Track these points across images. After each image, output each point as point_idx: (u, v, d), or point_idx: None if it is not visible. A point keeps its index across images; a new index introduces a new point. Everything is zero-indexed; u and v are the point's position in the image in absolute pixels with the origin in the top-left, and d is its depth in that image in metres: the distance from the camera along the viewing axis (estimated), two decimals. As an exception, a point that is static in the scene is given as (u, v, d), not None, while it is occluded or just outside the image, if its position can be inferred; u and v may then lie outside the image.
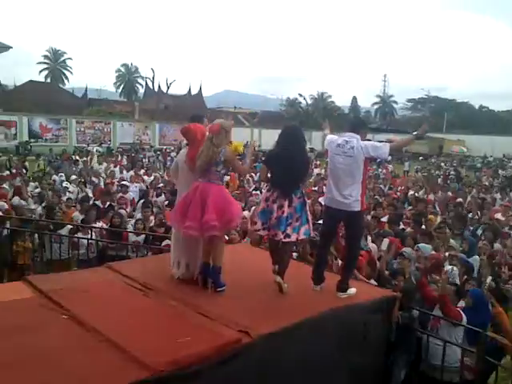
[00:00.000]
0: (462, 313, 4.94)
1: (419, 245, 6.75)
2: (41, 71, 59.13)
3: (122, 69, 63.84)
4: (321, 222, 7.51)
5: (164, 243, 6.67)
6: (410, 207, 11.51)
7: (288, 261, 4.49)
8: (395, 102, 75.43)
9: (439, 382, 4.67)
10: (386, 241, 7.02)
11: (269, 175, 4.54)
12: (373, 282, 5.87)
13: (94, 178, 12.82)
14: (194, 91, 53.74)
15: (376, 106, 76.32)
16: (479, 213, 11.20)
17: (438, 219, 9.59)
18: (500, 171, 29.41)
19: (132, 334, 3.22)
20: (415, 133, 4.71)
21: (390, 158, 26.96)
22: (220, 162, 4.24)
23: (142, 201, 9.99)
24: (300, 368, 3.67)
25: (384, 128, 60.14)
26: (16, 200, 9.39)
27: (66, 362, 2.81)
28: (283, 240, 4.28)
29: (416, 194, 13.20)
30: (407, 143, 4.89)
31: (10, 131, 31.65)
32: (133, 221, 8.11)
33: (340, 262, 5.98)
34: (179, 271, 4.48)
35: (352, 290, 4.47)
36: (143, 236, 7.31)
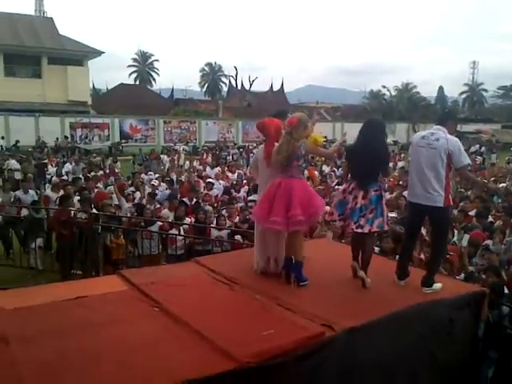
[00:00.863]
0: None
1: (509, 238, 6.40)
2: (130, 74, 62.00)
3: (207, 68, 65.44)
4: (393, 214, 7.43)
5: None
6: (499, 200, 10.91)
7: (370, 255, 4.47)
8: (485, 90, 70.86)
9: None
10: (466, 236, 6.77)
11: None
12: (462, 276, 5.69)
13: (180, 176, 13.36)
14: (276, 87, 53.96)
15: (464, 95, 72.26)
16: None
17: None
18: None
19: (219, 326, 3.34)
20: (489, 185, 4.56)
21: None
22: (301, 155, 4.27)
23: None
24: (383, 363, 3.63)
25: (472, 118, 56.91)
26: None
27: (157, 352, 2.98)
28: (355, 230, 4.31)
29: (507, 186, 12.44)
30: (477, 185, 4.66)
31: (103, 133, 33.62)
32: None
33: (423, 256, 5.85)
34: (262, 265, 4.59)
35: (438, 286, 4.36)
36: (226, 231, 7.54)
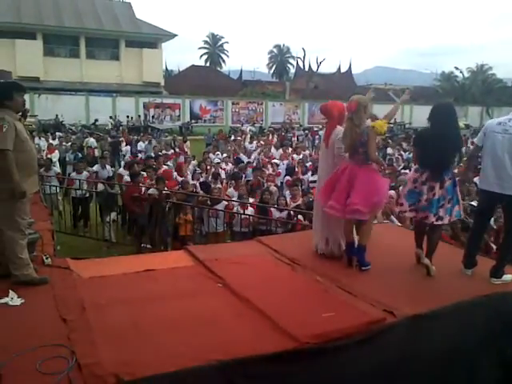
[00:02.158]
0: None
1: None
2: (201, 56, 62.96)
3: (275, 50, 65.16)
4: (473, 203, 7.15)
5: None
6: None
7: (437, 243, 4.35)
8: None
9: None
10: None
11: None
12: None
13: (245, 156, 13.51)
14: (344, 69, 52.87)
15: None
16: None
17: None
18: None
19: (280, 305, 3.41)
20: None
21: None
22: (365, 142, 4.19)
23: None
24: (443, 355, 3.55)
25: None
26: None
27: (219, 327, 3.09)
28: (435, 223, 4.16)
29: None
30: None
31: (175, 113, 34.56)
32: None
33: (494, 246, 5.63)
34: (321, 247, 4.60)
35: (508, 277, 4.19)
36: (285, 212, 7.58)
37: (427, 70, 75.40)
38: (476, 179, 9.98)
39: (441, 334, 3.53)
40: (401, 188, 7.93)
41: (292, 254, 4.56)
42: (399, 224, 6.60)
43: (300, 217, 7.32)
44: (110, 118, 29.24)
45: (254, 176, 10.09)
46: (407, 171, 10.19)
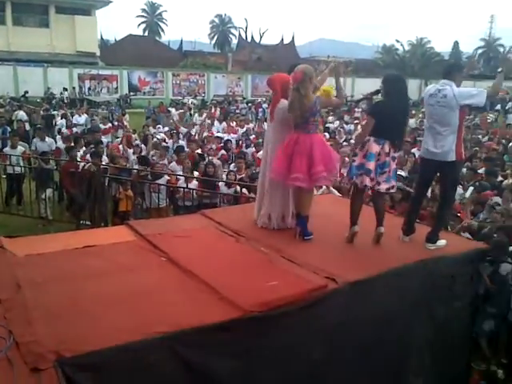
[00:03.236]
0: None
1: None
2: (139, 25, 60.97)
3: (216, 20, 64.03)
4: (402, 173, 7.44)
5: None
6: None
7: (383, 211, 4.44)
8: (502, 46, 68.92)
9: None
10: (470, 188, 6.77)
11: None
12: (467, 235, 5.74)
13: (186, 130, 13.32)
14: (287, 40, 52.78)
15: (480, 51, 70.28)
16: None
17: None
18: None
19: (225, 276, 3.42)
20: (499, 69, 4.42)
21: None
22: (317, 111, 4.24)
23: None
24: (383, 316, 3.71)
25: (487, 74, 55.55)
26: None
27: (163, 300, 3.07)
28: (374, 187, 4.27)
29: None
30: (499, 83, 4.50)
31: (112, 85, 33.32)
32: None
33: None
34: (263, 221, 4.60)
35: (442, 242, 4.38)
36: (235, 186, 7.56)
37: (369, 42, 76.70)
38: (413, 150, 10.39)
39: (379, 298, 3.67)
40: (346, 160, 8.11)
41: (236, 226, 4.56)
42: (339, 194, 6.74)
43: (244, 190, 7.33)
44: (64, 89, 27.62)
45: (190, 148, 9.96)
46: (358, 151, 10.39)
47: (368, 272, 3.67)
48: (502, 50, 67.31)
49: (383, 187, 4.27)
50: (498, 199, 6.76)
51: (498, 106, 30.20)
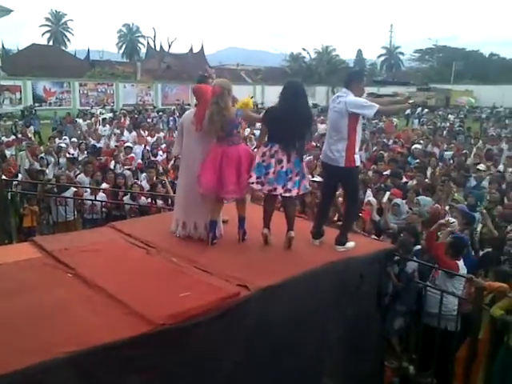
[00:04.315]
0: (458, 264, 5.05)
1: (419, 197, 6.83)
2: (43, 34, 58.32)
3: (124, 29, 62.77)
4: (316, 178, 7.71)
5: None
6: (416, 161, 11.50)
7: (294, 216, 4.51)
8: (402, 54, 73.75)
9: (435, 328, 4.81)
10: (387, 193, 7.11)
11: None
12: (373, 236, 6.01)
13: (95, 141, 12.88)
14: (196, 49, 52.75)
15: (382, 58, 74.66)
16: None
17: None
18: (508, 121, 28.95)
19: (134, 290, 3.32)
20: (411, 101, 4.69)
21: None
22: (239, 123, 4.35)
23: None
24: (297, 319, 3.79)
25: (390, 80, 59.02)
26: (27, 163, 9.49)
27: (69, 317, 2.92)
28: (283, 194, 4.30)
29: (420, 147, 13.11)
30: (400, 110, 4.84)
31: (15, 96, 31.55)
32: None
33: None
34: (180, 230, 4.55)
35: (350, 244, 4.53)
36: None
37: (277, 50, 78.72)
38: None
39: (291, 301, 3.73)
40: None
41: (147, 237, 4.44)
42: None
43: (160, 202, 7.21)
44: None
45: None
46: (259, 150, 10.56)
47: (280, 276, 3.72)
48: (401, 56, 71.85)
49: (289, 193, 4.31)
50: (398, 200, 7.14)
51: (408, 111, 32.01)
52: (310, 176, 8.50)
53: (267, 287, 3.53)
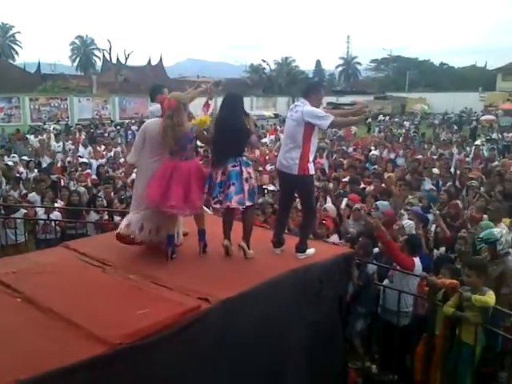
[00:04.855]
0: (414, 260, 5.17)
1: (377, 202, 6.95)
2: (-12, 47, 56.60)
3: (77, 41, 61.67)
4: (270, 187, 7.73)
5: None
6: (373, 167, 11.74)
7: (251, 227, 4.50)
8: (359, 64, 75.59)
9: (395, 326, 4.93)
10: (345, 200, 7.24)
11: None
12: (335, 239, 6.07)
13: (48, 158, 12.53)
14: (155, 61, 52.40)
15: (340, 69, 76.28)
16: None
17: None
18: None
19: (89, 310, 3.20)
20: (366, 112, 4.78)
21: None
22: (193, 138, 4.29)
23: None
24: (259, 328, 3.76)
25: (348, 90, 60.40)
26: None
27: (19, 343, 2.79)
28: (213, 206, 4.36)
29: (377, 154, 13.40)
30: (354, 123, 4.92)
31: (-40, 113, 30.36)
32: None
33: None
34: (131, 229, 4.37)
35: (311, 251, 4.55)
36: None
37: (237, 62, 79.24)
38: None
39: (253, 311, 3.71)
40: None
41: (102, 255, 4.30)
42: (210, 212, 6.75)
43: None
44: None
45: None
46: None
47: (241, 287, 3.68)
48: (358, 66, 73.63)
49: (219, 204, 4.29)
50: (358, 205, 7.25)
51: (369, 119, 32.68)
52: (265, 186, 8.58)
53: (228, 299, 3.49)
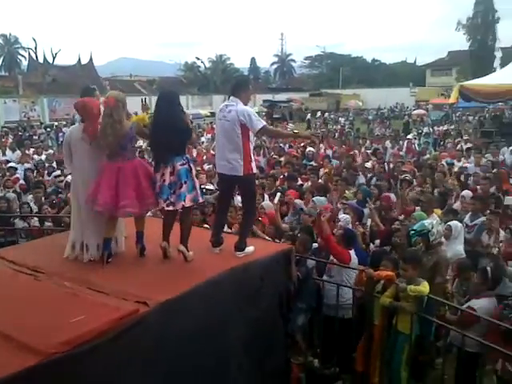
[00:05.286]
0: (350, 253, 5.33)
1: (314, 198, 7.09)
2: None
3: (0, 40, 58.61)
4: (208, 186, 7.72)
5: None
6: (310, 163, 11.96)
7: (189, 228, 4.44)
8: (293, 61, 76.63)
9: (334, 319, 5.06)
10: (278, 194, 7.33)
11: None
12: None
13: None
14: (85, 60, 50.72)
15: (275, 66, 77.01)
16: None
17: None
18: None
19: (21, 320, 3.08)
20: (296, 131, 4.85)
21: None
22: (134, 136, 4.21)
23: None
24: (200, 329, 3.74)
25: (283, 87, 61.12)
26: None
27: None
28: (166, 208, 4.23)
29: (313, 150, 13.64)
30: (284, 137, 4.94)
31: None
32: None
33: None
34: (78, 251, 4.33)
35: (250, 249, 4.57)
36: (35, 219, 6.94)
37: (172, 60, 78.26)
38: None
39: (194, 311, 3.70)
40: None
41: (35, 262, 4.14)
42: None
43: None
44: None
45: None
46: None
47: (180, 289, 3.66)
48: (293, 64, 74.62)
49: (172, 206, 4.22)
50: (298, 201, 7.38)
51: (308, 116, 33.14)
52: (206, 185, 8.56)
53: (167, 301, 3.46)
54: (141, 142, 11.62)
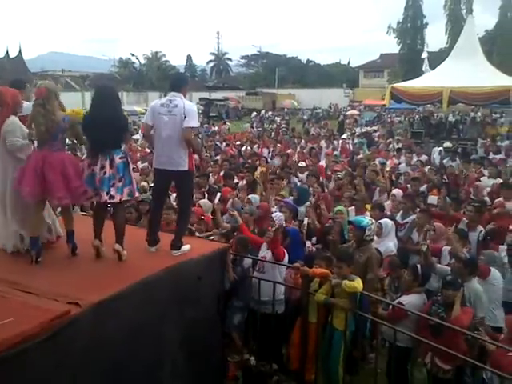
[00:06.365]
0: (285, 251, 5.42)
1: (250, 196, 7.16)
2: None
3: None
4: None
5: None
6: (246, 161, 12.03)
7: (123, 226, 4.40)
8: (230, 60, 76.74)
9: (270, 315, 5.13)
10: (219, 194, 7.38)
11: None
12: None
13: None
14: (14, 54, 48.44)
15: (211, 64, 76.80)
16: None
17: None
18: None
19: None
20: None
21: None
22: (66, 128, 4.16)
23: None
24: (134, 329, 3.72)
25: (220, 86, 61.07)
26: None
27: None
28: (108, 201, 4.18)
29: (249, 149, 13.78)
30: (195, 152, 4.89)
31: None
32: None
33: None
34: (14, 244, 4.29)
35: (186, 247, 4.57)
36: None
37: (105, 56, 76.13)
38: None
39: (128, 312, 3.67)
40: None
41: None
42: (82, 213, 6.49)
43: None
44: None
45: None
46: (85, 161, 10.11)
47: (114, 288, 3.62)
48: (229, 62, 74.70)
49: (112, 199, 4.19)
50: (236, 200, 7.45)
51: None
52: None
53: (99, 302, 3.41)
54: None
